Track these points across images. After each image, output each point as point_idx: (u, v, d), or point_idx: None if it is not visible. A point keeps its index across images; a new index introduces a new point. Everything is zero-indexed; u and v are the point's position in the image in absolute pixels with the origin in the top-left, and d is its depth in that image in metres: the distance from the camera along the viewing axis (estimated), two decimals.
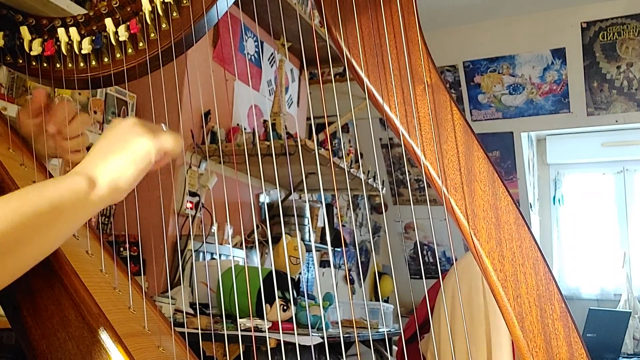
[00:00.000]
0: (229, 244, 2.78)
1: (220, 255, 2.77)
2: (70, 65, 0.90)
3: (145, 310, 0.85)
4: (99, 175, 0.71)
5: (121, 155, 0.72)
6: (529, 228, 0.75)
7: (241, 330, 1.98)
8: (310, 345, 1.86)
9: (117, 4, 0.88)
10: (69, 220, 0.70)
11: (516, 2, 4.02)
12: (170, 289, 2.37)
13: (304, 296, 2.58)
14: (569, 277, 4.96)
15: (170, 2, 0.86)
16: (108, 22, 0.87)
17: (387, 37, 0.80)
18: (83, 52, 0.89)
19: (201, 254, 2.66)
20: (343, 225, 4.50)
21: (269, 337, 1.92)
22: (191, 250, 2.54)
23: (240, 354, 1.92)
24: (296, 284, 2.48)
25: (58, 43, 0.89)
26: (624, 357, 3.76)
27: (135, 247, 2.40)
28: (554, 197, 5.08)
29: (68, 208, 0.68)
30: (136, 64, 0.89)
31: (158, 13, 0.87)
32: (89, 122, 1.00)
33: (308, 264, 3.73)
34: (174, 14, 0.87)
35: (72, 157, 0.97)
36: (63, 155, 0.97)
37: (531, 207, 4.86)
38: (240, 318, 2.07)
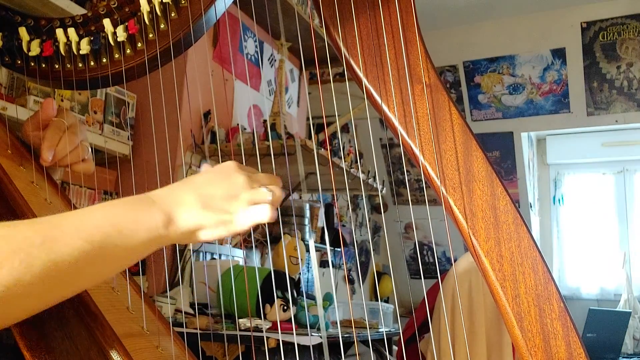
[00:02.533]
0: (228, 244, 2.78)
1: (219, 255, 2.77)
2: (68, 65, 0.90)
3: (143, 311, 0.85)
4: (180, 220, 0.66)
5: (214, 213, 0.67)
6: (527, 228, 0.75)
7: (241, 330, 1.98)
8: (309, 346, 1.86)
9: (116, 5, 0.88)
10: (134, 255, 0.65)
11: (516, 2, 4.02)
12: (170, 289, 2.37)
13: (303, 296, 2.58)
14: (569, 277, 4.96)
15: (168, 3, 0.86)
16: (106, 22, 0.87)
17: (386, 37, 0.80)
18: (81, 52, 0.89)
19: (201, 254, 2.66)
20: (343, 225, 4.50)
21: (268, 337, 1.92)
22: (191, 250, 2.54)
23: (239, 354, 1.92)
24: (296, 284, 2.48)
25: (56, 44, 0.89)
26: (624, 357, 3.76)
27: None
28: (554, 197, 5.08)
29: (138, 244, 0.63)
30: (135, 65, 0.89)
31: (156, 13, 0.87)
32: (81, 137, 0.98)
33: (308, 264, 3.73)
34: (173, 14, 0.87)
35: (73, 169, 0.98)
36: (63, 167, 0.98)
37: (531, 207, 4.86)
38: (239, 318, 2.07)
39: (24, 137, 0.97)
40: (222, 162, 0.72)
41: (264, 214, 0.69)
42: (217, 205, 0.68)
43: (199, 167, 2.76)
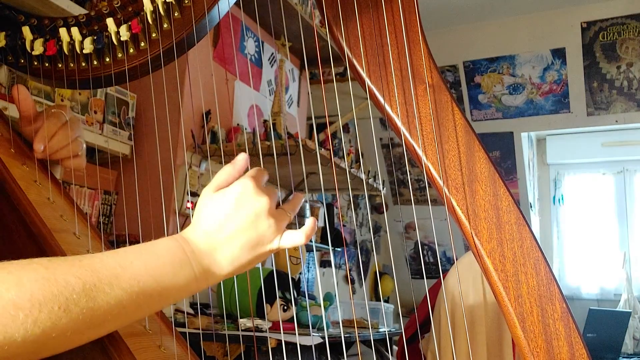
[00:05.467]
0: None
1: None
2: (71, 65, 0.90)
3: None
4: (216, 274, 0.67)
5: (246, 263, 0.68)
6: (529, 228, 0.75)
7: (242, 330, 1.98)
8: (311, 345, 1.86)
9: (119, 4, 0.88)
10: (167, 304, 0.65)
11: (516, 2, 4.02)
12: None
13: (304, 296, 2.58)
14: (569, 277, 4.96)
15: (172, 2, 0.86)
16: (110, 22, 0.87)
17: (389, 37, 0.81)
18: (85, 51, 0.89)
19: None
20: (344, 225, 4.50)
21: (269, 337, 1.92)
22: None
23: (241, 353, 1.92)
24: (296, 283, 2.48)
25: (60, 43, 0.89)
26: (624, 357, 3.76)
27: None
28: (554, 197, 5.08)
29: (174, 295, 0.64)
30: (137, 64, 0.89)
31: (160, 13, 0.87)
32: (77, 132, 0.98)
33: (308, 263, 3.73)
34: (176, 14, 0.87)
35: (64, 164, 0.98)
36: (55, 160, 0.97)
37: (531, 207, 4.86)
38: (240, 318, 2.07)
39: (22, 134, 0.97)
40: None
41: (299, 239, 0.71)
42: (253, 244, 0.68)
43: (199, 166, 2.76)
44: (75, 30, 0.88)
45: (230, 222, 0.67)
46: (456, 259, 2.30)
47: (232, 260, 0.67)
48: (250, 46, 3.19)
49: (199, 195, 0.71)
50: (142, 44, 0.88)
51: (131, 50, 0.89)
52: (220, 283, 2.28)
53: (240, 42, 3.10)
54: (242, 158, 0.72)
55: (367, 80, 0.81)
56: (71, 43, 0.89)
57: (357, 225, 4.86)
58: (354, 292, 4.68)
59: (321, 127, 3.51)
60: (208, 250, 0.67)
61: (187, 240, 0.67)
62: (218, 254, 0.67)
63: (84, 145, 1.00)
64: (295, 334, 2.03)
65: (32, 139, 0.95)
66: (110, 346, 0.74)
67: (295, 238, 0.71)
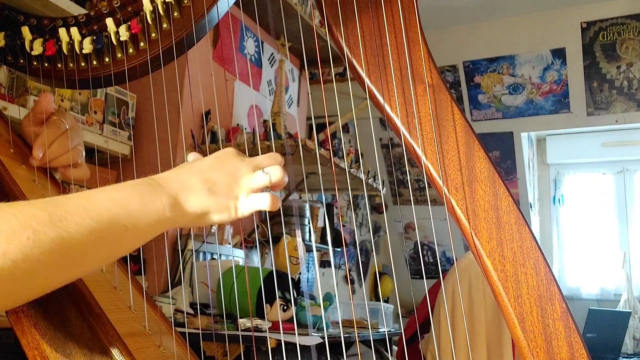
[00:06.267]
0: (229, 243, 2.78)
1: (220, 255, 2.77)
2: (71, 65, 0.90)
3: (145, 310, 0.85)
4: (187, 204, 0.67)
5: (218, 199, 0.68)
6: (529, 228, 0.75)
7: (241, 330, 1.98)
8: (310, 346, 1.86)
9: (118, 4, 0.88)
10: (140, 237, 0.65)
11: (516, 2, 4.02)
12: (171, 289, 2.37)
13: (304, 296, 2.58)
14: (569, 277, 4.96)
15: (171, 2, 0.86)
16: (109, 22, 0.87)
17: (388, 37, 0.80)
18: (84, 51, 0.89)
19: (201, 254, 2.66)
20: (343, 225, 4.49)
21: (269, 337, 1.92)
22: (191, 250, 2.54)
23: (240, 353, 1.92)
24: (296, 284, 2.48)
25: (59, 43, 0.89)
26: (624, 357, 3.76)
27: None
28: (554, 197, 5.08)
29: (146, 226, 0.64)
30: (137, 64, 0.89)
31: (159, 13, 0.87)
32: (77, 141, 0.98)
33: (308, 264, 3.73)
34: (175, 14, 0.87)
35: (62, 172, 0.98)
36: (54, 168, 0.97)
37: (531, 207, 4.86)
38: (240, 318, 2.07)
39: (23, 134, 0.97)
40: None
41: (264, 202, 0.70)
42: (221, 191, 0.69)
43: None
44: (74, 30, 0.88)
45: (200, 162, 0.70)
46: (456, 259, 2.30)
47: (201, 195, 0.67)
48: (250, 46, 3.18)
49: None
50: (142, 44, 0.88)
51: (131, 50, 0.89)
52: (220, 283, 2.29)
53: (240, 42, 3.10)
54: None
55: (367, 80, 0.80)
56: (70, 43, 0.89)
57: (356, 225, 4.86)
58: (353, 292, 4.67)
59: (321, 127, 3.51)
60: (177, 180, 0.68)
61: (153, 177, 0.68)
62: (187, 184, 0.68)
63: (84, 154, 1.00)
64: (295, 334, 2.03)
65: (32, 141, 0.94)
66: (109, 346, 0.74)
67: (262, 197, 0.71)
